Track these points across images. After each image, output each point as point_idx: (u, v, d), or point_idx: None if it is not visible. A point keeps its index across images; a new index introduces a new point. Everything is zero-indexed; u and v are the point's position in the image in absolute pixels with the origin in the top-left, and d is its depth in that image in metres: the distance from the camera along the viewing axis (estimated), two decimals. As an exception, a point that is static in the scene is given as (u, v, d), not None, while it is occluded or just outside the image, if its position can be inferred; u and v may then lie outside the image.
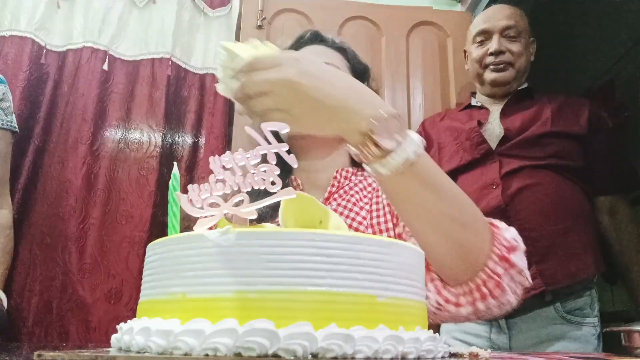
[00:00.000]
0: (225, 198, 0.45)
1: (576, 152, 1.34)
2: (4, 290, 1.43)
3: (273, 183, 0.44)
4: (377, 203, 0.85)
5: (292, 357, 0.36)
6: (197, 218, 0.45)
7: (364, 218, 0.82)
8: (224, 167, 0.45)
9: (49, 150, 1.76)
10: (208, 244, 0.41)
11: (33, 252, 1.65)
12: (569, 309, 1.24)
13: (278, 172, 0.45)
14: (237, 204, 0.44)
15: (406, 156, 0.50)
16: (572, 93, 1.47)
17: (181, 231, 0.52)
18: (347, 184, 0.87)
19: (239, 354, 0.36)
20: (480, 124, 1.42)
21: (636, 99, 2.20)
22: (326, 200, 0.86)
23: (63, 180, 1.71)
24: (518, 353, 0.69)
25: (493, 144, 1.38)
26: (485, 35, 1.48)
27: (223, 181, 0.45)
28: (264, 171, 0.45)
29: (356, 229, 0.80)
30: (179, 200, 0.45)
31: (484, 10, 1.70)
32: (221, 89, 0.56)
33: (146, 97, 1.85)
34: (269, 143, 0.46)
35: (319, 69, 0.52)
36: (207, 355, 0.36)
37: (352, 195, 0.86)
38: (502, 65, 1.44)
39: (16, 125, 1.45)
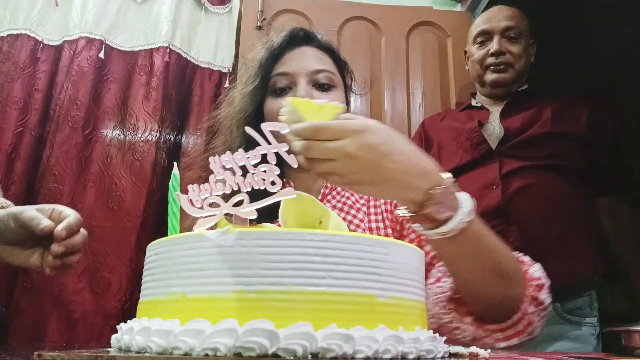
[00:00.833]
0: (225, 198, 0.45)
1: (576, 153, 1.34)
2: None
3: (273, 183, 0.44)
4: (376, 207, 0.85)
5: (292, 357, 0.36)
6: (197, 217, 0.45)
7: (362, 220, 0.82)
8: (224, 167, 0.45)
9: (45, 140, 1.74)
10: (208, 244, 0.41)
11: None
12: (568, 309, 1.24)
13: (278, 172, 0.45)
14: (237, 204, 0.44)
15: (457, 224, 0.54)
16: (572, 93, 1.47)
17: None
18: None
19: (239, 354, 0.36)
20: (480, 124, 1.42)
21: (636, 99, 2.20)
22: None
23: (57, 166, 1.69)
24: (518, 353, 0.70)
25: (493, 144, 1.38)
26: (486, 35, 1.48)
27: (223, 181, 0.45)
28: (264, 171, 0.45)
29: (354, 231, 0.80)
30: (179, 200, 0.45)
31: (483, 10, 1.70)
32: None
33: (143, 84, 1.83)
34: (269, 143, 0.46)
35: (380, 142, 0.52)
36: (207, 355, 0.36)
37: (347, 198, 0.86)
38: (502, 66, 1.44)
39: None
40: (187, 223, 0.50)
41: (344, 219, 0.82)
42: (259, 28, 1.90)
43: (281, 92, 0.84)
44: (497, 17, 1.48)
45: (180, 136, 1.89)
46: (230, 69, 1.94)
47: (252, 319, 0.36)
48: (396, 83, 1.96)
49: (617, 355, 0.64)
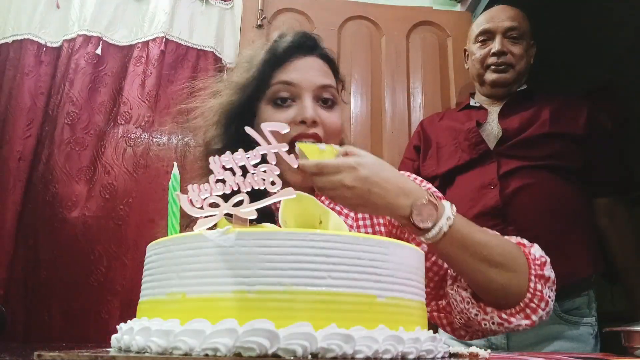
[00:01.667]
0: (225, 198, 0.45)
1: (574, 153, 1.33)
2: None
3: (273, 183, 0.44)
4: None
5: (292, 357, 0.36)
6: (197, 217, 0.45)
7: (351, 227, 0.83)
8: (224, 167, 0.45)
9: (44, 140, 1.75)
10: (208, 244, 0.41)
11: (34, 252, 1.65)
12: (566, 309, 1.24)
13: (278, 172, 0.45)
14: (237, 204, 0.44)
15: (439, 229, 0.65)
16: (572, 94, 1.47)
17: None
18: None
19: (239, 354, 0.36)
20: (478, 124, 1.42)
21: (636, 100, 2.20)
22: None
23: (52, 163, 1.70)
24: (518, 353, 0.70)
25: (491, 144, 1.37)
26: (487, 35, 1.47)
27: (223, 181, 0.45)
28: (264, 171, 0.45)
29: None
30: (178, 200, 0.45)
31: (484, 10, 1.70)
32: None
33: (139, 74, 1.83)
34: (269, 143, 0.46)
35: (370, 175, 0.65)
36: (207, 355, 0.36)
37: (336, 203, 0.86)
38: (503, 67, 1.44)
39: None
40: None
41: None
42: (259, 27, 1.90)
43: (282, 102, 0.80)
44: (499, 17, 1.48)
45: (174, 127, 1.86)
46: (233, 64, 1.94)
47: (252, 319, 0.36)
48: (396, 83, 1.96)
49: (616, 355, 0.64)
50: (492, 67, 1.45)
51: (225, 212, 0.44)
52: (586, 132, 1.35)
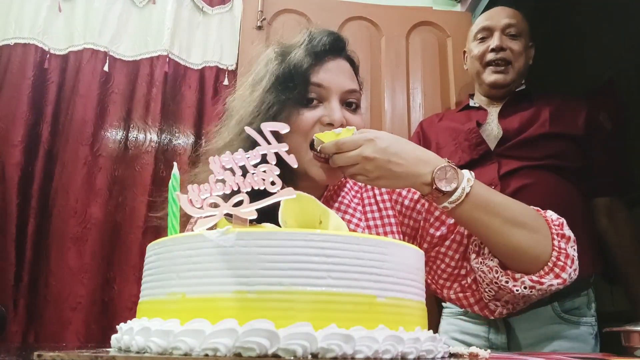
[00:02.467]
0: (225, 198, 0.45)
1: (574, 153, 1.33)
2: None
3: (273, 183, 0.44)
4: (370, 204, 0.85)
5: (292, 358, 0.36)
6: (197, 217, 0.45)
7: (360, 220, 0.83)
8: (223, 167, 0.45)
9: (56, 154, 1.76)
10: (208, 244, 0.41)
11: (35, 252, 1.66)
12: (566, 309, 1.24)
13: (278, 172, 0.45)
14: (237, 204, 0.44)
15: (462, 190, 0.67)
16: (572, 94, 1.47)
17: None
18: (337, 187, 0.87)
19: (238, 354, 0.36)
20: (478, 124, 1.42)
21: (636, 100, 2.20)
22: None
23: (66, 181, 1.72)
24: (518, 353, 0.70)
25: (491, 145, 1.37)
26: (486, 32, 1.48)
27: (223, 181, 0.45)
28: (264, 171, 0.45)
29: (354, 231, 0.80)
30: (178, 200, 0.45)
31: (483, 10, 1.70)
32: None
33: (144, 95, 1.85)
34: (269, 143, 0.46)
35: (388, 145, 0.68)
36: (207, 355, 0.36)
37: (343, 197, 0.86)
38: (502, 66, 1.44)
39: None
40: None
41: (342, 218, 0.82)
42: (259, 28, 1.90)
43: (308, 103, 0.78)
44: (499, 15, 1.49)
45: (178, 142, 1.89)
46: (234, 67, 1.95)
47: (252, 319, 0.36)
48: (396, 83, 1.96)
49: (616, 355, 0.64)
50: (491, 65, 1.45)
51: (225, 212, 0.44)
52: (586, 132, 1.35)
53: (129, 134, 1.82)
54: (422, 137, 1.55)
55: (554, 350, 1.20)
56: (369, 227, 0.82)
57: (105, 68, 1.84)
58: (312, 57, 0.80)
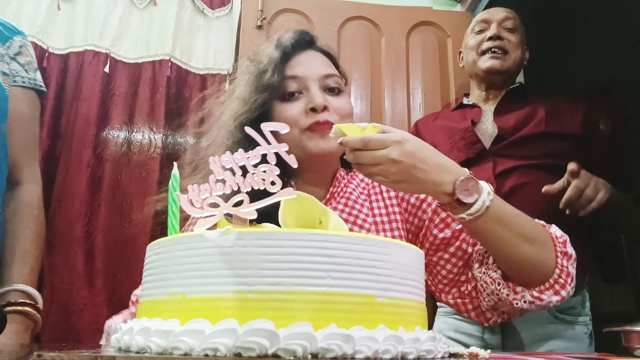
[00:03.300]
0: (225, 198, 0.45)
1: (570, 152, 1.33)
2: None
3: (273, 183, 0.44)
4: (377, 201, 0.85)
5: (292, 358, 0.36)
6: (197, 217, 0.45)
7: (367, 215, 0.83)
8: (223, 167, 0.45)
9: (58, 156, 1.76)
10: (208, 244, 0.41)
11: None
12: (561, 308, 1.23)
13: (278, 172, 0.45)
14: (237, 204, 0.44)
15: (482, 203, 0.66)
16: (571, 94, 1.47)
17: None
18: (344, 183, 0.88)
19: (238, 354, 0.36)
20: (474, 123, 1.42)
21: (636, 99, 2.20)
22: (327, 202, 0.85)
23: (68, 184, 1.71)
24: (518, 353, 0.70)
25: (487, 144, 1.37)
26: (484, 24, 1.49)
27: (223, 181, 0.45)
28: (264, 171, 0.45)
29: (361, 227, 0.81)
30: (178, 200, 0.45)
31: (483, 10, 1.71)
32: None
33: (147, 99, 1.85)
34: (269, 143, 0.46)
35: (415, 150, 0.67)
36: (207, 355, 0.36)
37: (350, 193, 0.86)
38: (499, 54, 1.44)
39: (42, 84, 1.26)
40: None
41: (349, 214, 0.83)
42: (259, 27, 1.90)
43: (290, 96, 0.82)
44: (496, 10, 1.52)
45: (184, 144, 1.89)
46: (231, 70, 1.95)
47: (252, 319, 0.36)
48: (396, 83, 1.96)
49: (616, 355, 0.64)
50: (489, 52, 1.45)
51: (225, 212, 0.44)
52: (582, 132, 1.34)
53: (132, 137, 1.82)
54: (418, 137, 1.55)
55: (549, 350, 1.20)
56: (375, 223, 0.83)
57: (106, 69, 1.84)
58: (282, 54, 0.84)
